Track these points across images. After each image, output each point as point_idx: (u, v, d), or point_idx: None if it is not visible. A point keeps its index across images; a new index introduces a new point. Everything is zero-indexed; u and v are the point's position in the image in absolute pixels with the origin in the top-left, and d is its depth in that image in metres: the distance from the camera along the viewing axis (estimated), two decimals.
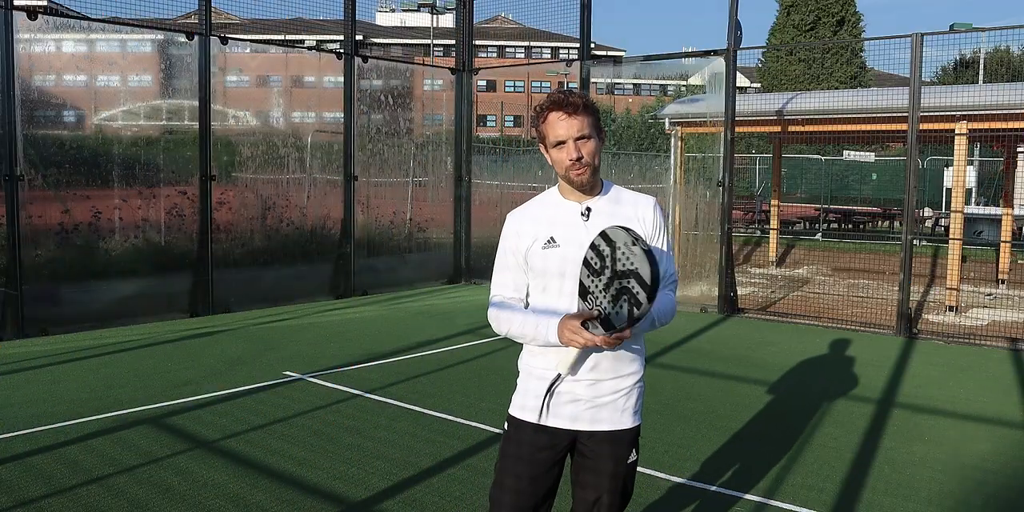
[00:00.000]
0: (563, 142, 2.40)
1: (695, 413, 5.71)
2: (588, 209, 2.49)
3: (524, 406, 2.54)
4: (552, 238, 2.47)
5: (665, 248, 2.57)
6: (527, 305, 2.56)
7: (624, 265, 2.26)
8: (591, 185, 2.48)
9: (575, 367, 2.46)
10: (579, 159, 2.39)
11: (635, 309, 2.26)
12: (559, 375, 2.45)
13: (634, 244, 2.26)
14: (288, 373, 6.67)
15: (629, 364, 2.53)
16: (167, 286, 9.18)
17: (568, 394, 2.49)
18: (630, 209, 2.53)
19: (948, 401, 6.12)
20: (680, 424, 5.44)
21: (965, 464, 4.75)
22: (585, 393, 2.49)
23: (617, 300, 2.28)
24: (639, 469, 4.54)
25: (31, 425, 5.19)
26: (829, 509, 4.07)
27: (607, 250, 2.30)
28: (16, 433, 5.04)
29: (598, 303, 2.31)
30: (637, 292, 2.24)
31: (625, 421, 2.54)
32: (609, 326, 2.30)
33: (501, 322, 2.54)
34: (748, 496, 4.22)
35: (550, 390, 2.48)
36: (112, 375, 6.52)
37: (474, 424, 5.36)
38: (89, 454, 4.70)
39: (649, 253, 2.26)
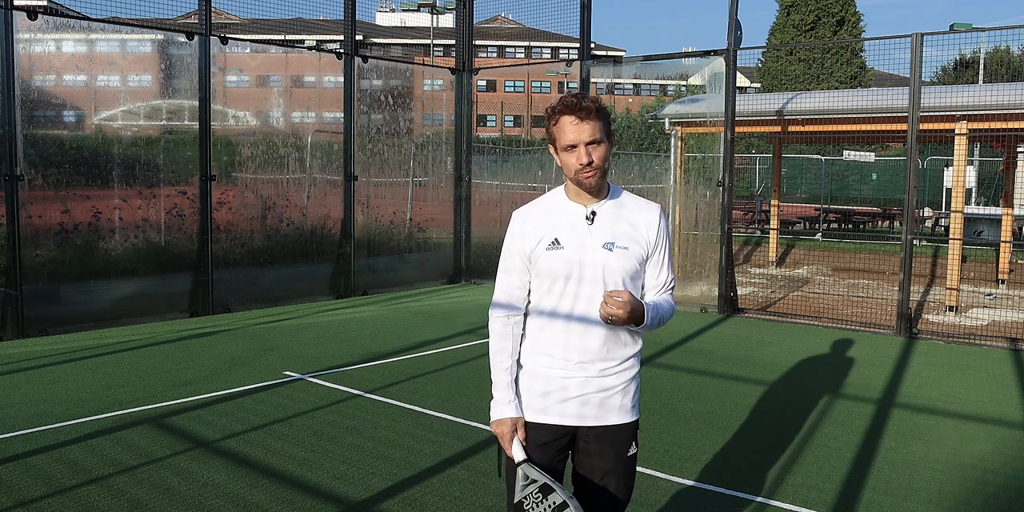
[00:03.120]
0: (574, 146, 2.42)
1: (695, 413, 5.71)
2: (593, 213, 2.51)
3: (527, 406, 2.56)
4: (556, 240, 2.49)
5: (667, 254, 2.62)
6: (527, 307, 2.60)
7: None
8: (599, 188, 2.51)
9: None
10: (589, 163, 2.42)
11: None
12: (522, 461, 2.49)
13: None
14: (288, 373, 6.67)
15: (628, 359, 2.59)
16: (167, 286, 9.18)
17: (570, 391, 2.53)
18: (635, 214, 2.56)
19: (948, 401, 6.12)
20: (680, 424, 5.44)
21: (965, 464, 4.75)
22: (586, 388, 2.53)
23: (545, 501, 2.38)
24: (640, 469, 4.55)
25: (31, 425, 5.19)
26: (829, 509, 4.07)
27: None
28: (16, 433, 5.04)
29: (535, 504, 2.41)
30: None
31: (625, 415, 2.60)
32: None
33: (494, 342, 2.62)
34: (748, 496, 4.22)
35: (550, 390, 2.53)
36: (112, 375, 6.52)
37: (474, 424, 5.36)
38: (89, 454, 4.70)
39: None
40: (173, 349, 7.52)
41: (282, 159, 10.48)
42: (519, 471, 2.45)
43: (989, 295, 11.17)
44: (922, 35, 8.51)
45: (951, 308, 9.76)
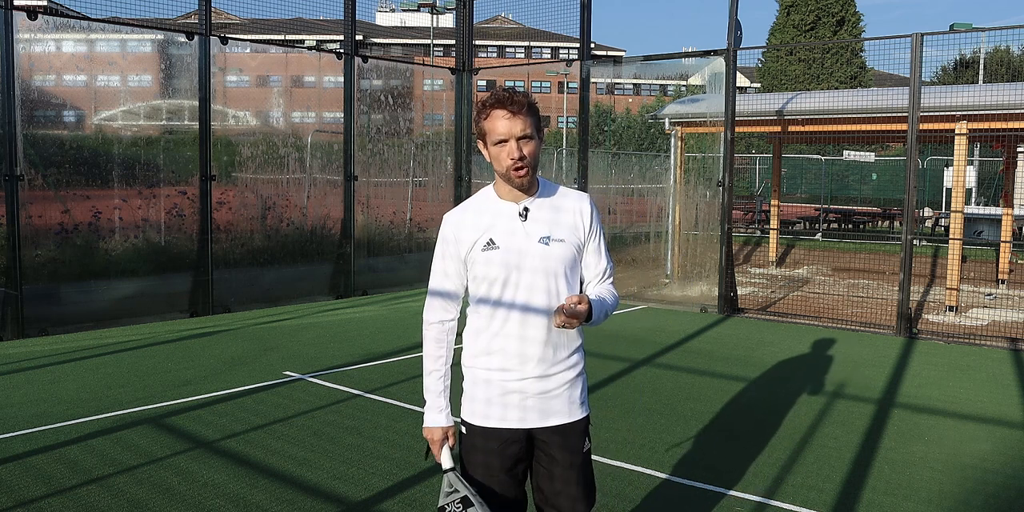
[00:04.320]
0: (505, 141, 2.39)
1: (695, 413, 5.71)
2: (526, 209, 2.49)
3: (474, 412, 2.55)
4: (491, 240, 2.46)
5: (603, 241, 2.61)
6: (464, 311, 2.59)
7: None
8: (529, 184, 2.48)
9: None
10: (521, 158, 2.39)
11: None
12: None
13: None
14: (288, 373, 6.67)
15: (572, 356, 2.55)
16: (167, 286, 9.18)
17: (518, 393, 2.50)
18: (566, 204, 2.54)
19: (948, 401, 6.12)
20: (680, 424, 5.44)
21: (965, 464, 4.75)
22: (534, 388, 2.50)
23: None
24: (640, 469, 4.55)
25: (31, 425, 5.19)
26: (829, 509, 4.07)
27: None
28: (16, 433, 5.04)
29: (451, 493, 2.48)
30: None
31: (575, 412, 2.56)
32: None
33: (428, 350, 2.59)
34: (748, 496, 4.22)
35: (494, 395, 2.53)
36: (112, 375, 6.52)
37: None
38: (89, 454, 4.70)
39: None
40: (173, 349, 7.52)
41: (282, 159, 10.49)
42: (444, 479, 2.49)
43: (989, 295, 11.17)
44: (922, 35, 8.51)
45: (951, 308, 9.76)
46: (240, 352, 7.42)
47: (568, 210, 2.52)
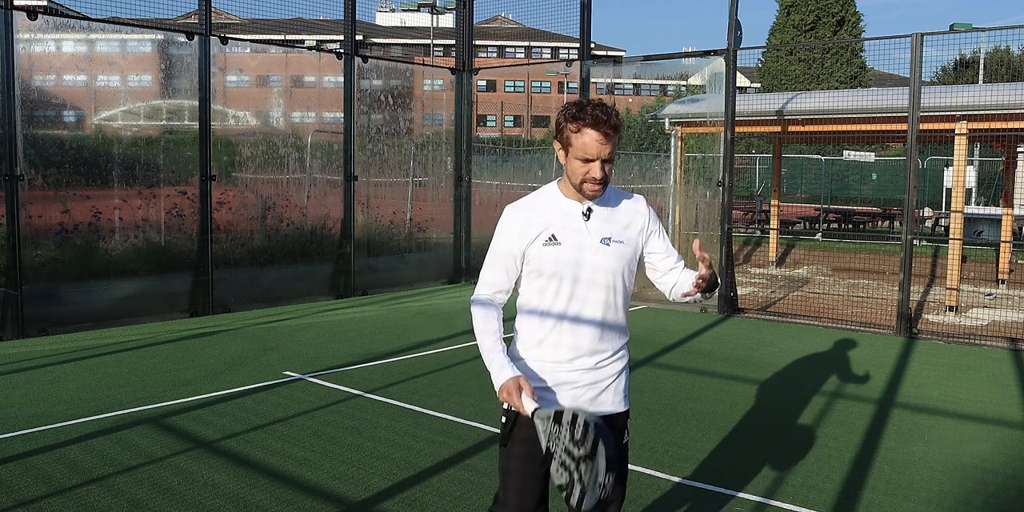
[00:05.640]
0: (592, 160, 2.46)
1: (695, 413, 5.71)
2: (590, 209, 2.56)
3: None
4: (553, 236, 2.53)
5: (665, 236, 2.74)
6: (517, 304, 2.66)
7: (586, 475, 2.32)
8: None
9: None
10: (603, 179, 2.48)
11: (568, 490, 2.34)
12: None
13: (600, 487, 2.33)
14: (288, 373, 6.67)
15: (620, 350, 2.66)
16: (167, 286, 9.18)
17: (569, 384, 2.56)
18: (625, 206, 2.65)
19: (948, 401, 6.12)
20: (680, 424, 5.44)
21: (965, 464, 4.75)
22: (586, 379, 2.57)
23: (565, 466, 2.35)
24: (640, 469, 4.55)
25: (31, 425, 5.19)
26: (829, 509, 4.07)
27: (588, 449, 2.35)
28: (16, 433, 5.04)
29: (559, 445, 2.37)
30: (575, 490, 2.32)
31: (619, 403, 2.65)
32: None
33: (475, 322, 2.59)
34: (748, 496, 4.22)
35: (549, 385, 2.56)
36: (112, 375, 6.52)
37: (474, 424, 5.36)
38: (89, 454, 4.70)
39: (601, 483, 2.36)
40: (173, 349, 7.52)
41: (282, 159, 10.48)
42: (536, 421, 2.41)
43: (989, 295, 11.17)
44: (922, 35, 8.51)
45: (951, 308, 9.76)
46: (240, 352, 7.42)
47: (627, 211, 2.64)
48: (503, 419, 2.62)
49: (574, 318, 2.55)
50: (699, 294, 2.60)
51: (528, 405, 2.45)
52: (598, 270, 2.54)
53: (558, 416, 2.39)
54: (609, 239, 2.56)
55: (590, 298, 2.54)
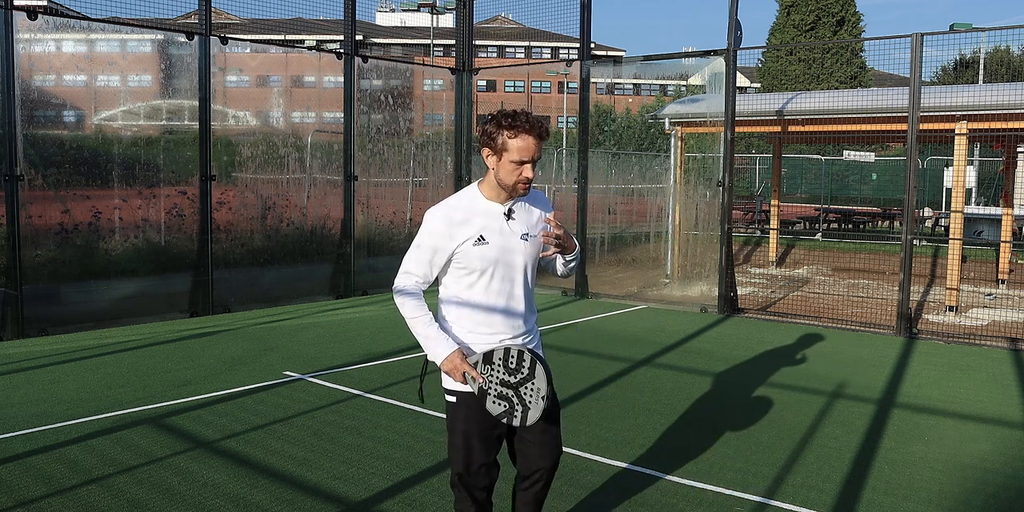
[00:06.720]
0: (526, 162, 2.80)
1: (695, 413, 5.70)
2: (511, 210, 2.93)
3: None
4: (482, 237, 2.86)
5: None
6: (440, 294, 3.02)
7: (528, 396, 2.77)
8: None
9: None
10: (530, 179, 2.83)
11: (509, 416, 2.80)
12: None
13: (543, 399, 2.76)
14: (288, 373, 6.67)
15: (532, 325, 3.07)
16: (167, 286, 9.18)
17: None
18: (535, 204, 3.03)
19: (948, 401, 6.12)
20: (680, 424, 5.44)
21: (965, 464, 4.75)
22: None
23: (503, 397, 2.81)
24: (640, 469, 4.55)
25: (31, 425, 5.19)
26: (829, 509, 4.07)
27: (526, 373, 2.79)
28: (16, 433, 5.04)
29: (491, 382, 2.82)
30: (516, 412, 2.78)
31: None
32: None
33: (407, 309, 2.92)
34: (748, 496, 4.22)
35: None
36: (112, 375, 6.52)
37: None
38: (89, 454, 4.70)
39: (547, 412, 2.81)
40: (173, 349, 7.52)
41: (282, 159, 10.49)
42: (489, 395, 2.84)
43: (989, 295, 11.17)
44: (922, 35, 8.51)
45: (951, 308, 9.76)
46: (240, 352, 7.42)
47: (536, 206, 3.04)
48: (451, 398, 2.98)
49: (504, 309, 2.90)
50: (560, 257, 2.99)
51: (472, 384, 2.83)
52: (519, 263, 2.92)
53: (488, 356, 2.80)
54: (528, 235, 2.94)
55: (515, 287, 2.93)
